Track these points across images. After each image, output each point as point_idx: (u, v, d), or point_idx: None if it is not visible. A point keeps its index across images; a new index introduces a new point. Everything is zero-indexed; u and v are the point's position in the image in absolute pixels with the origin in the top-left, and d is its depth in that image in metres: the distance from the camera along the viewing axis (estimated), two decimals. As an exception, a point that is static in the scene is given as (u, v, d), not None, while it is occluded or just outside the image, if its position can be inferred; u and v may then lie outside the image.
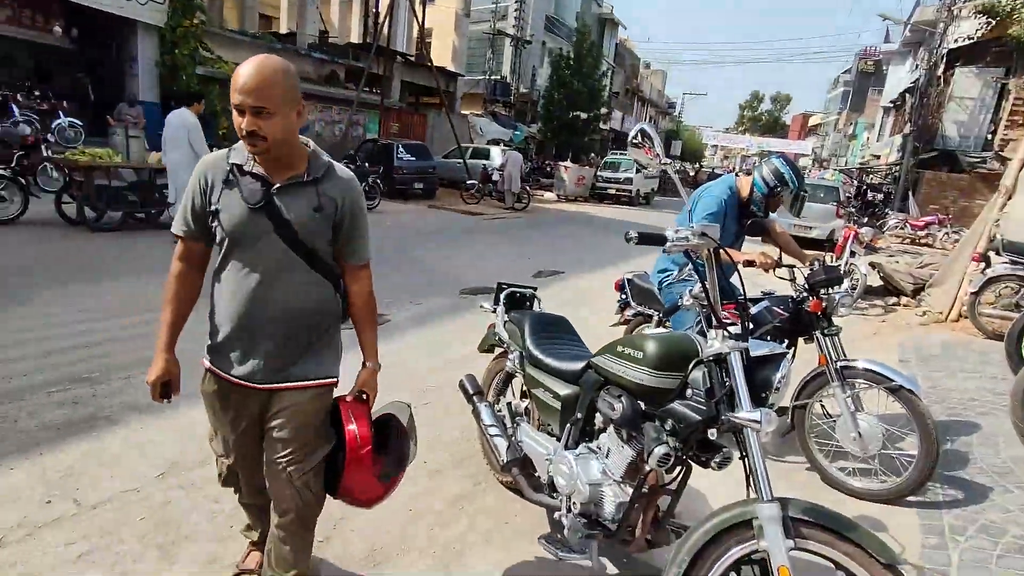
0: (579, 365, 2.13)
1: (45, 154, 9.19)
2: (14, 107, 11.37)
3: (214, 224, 1.64)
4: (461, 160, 18.49)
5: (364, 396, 1.77)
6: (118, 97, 14.37)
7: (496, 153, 18.60)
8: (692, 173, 39.34)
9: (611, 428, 1.94)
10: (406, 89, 22.39)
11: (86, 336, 4.14)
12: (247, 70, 1.48)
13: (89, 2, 12.82)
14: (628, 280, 4.01)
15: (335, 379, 1.76)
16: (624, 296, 4.04)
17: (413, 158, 16.50)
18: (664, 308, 3.40)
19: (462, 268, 7.73)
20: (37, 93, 13.04)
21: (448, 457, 3.05)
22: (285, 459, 1.68)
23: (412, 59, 21.61)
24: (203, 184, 1.64)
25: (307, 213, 1.62)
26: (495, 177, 17.11)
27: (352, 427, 1.68)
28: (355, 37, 23.91)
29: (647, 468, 1.80)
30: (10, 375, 3.42)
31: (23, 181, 7.63)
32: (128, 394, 3.37)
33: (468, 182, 17.04)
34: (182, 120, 6.91)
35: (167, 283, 1.72)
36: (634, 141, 1.98)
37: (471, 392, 2.63)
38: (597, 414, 2.04)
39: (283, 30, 23.05)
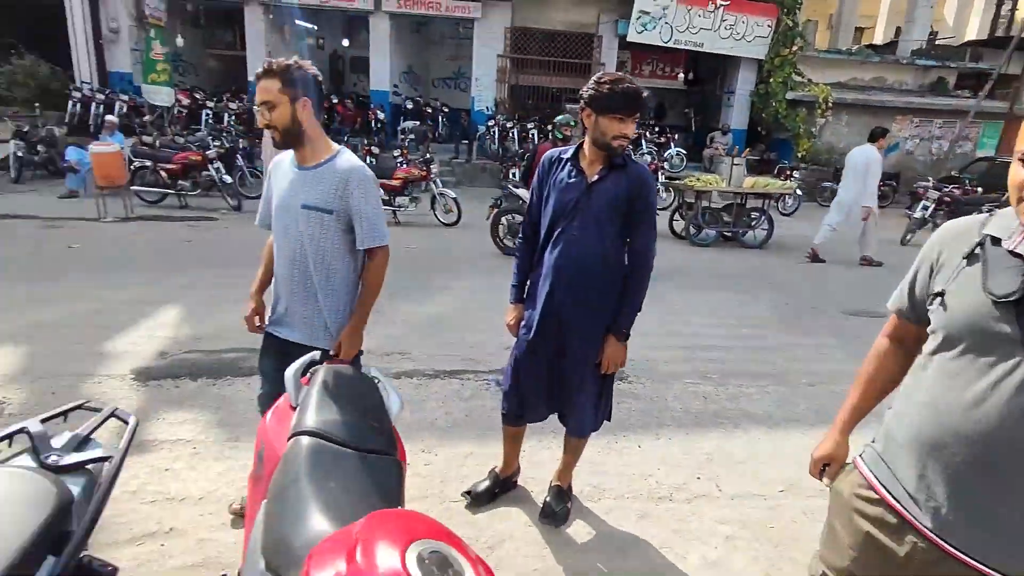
0: None
1: (660, 179, 11.47)
2: (643, 142, 14.58)
3: (932, 307, 1.25)
4: None
5: None
6: (713, 127, 16.51)
7: None
8: None
9: None
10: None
11: (707, 339, 4.90)
12: None
13: (709, 49, 15.05)
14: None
15: None
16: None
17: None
18: None
19: None
20: (657, 129, 16.34)
21: None
22: None
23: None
24: (935, 256, 1.28)
25: None
26: None
27: None
28: (975, 33, 19.93)
29: None
30: (659, 360, 4.38)
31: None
32: (742, 401, 3.80)
33: None
34: (865, 156, 7.45)
35: (867, 358, 1.47)
36: None
37: None
38: None
39: (879, 40, 21.38)
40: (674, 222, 9.53)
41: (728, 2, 14.61)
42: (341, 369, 1.80)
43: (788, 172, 13.54)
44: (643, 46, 15.32)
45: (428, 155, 9.73)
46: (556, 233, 2.23)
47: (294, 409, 1.63)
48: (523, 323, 2.38)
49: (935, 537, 1.16)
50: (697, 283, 6.72)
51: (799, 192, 12.31)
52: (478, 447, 3.08)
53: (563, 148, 2.37)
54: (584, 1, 14.66)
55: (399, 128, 13.81)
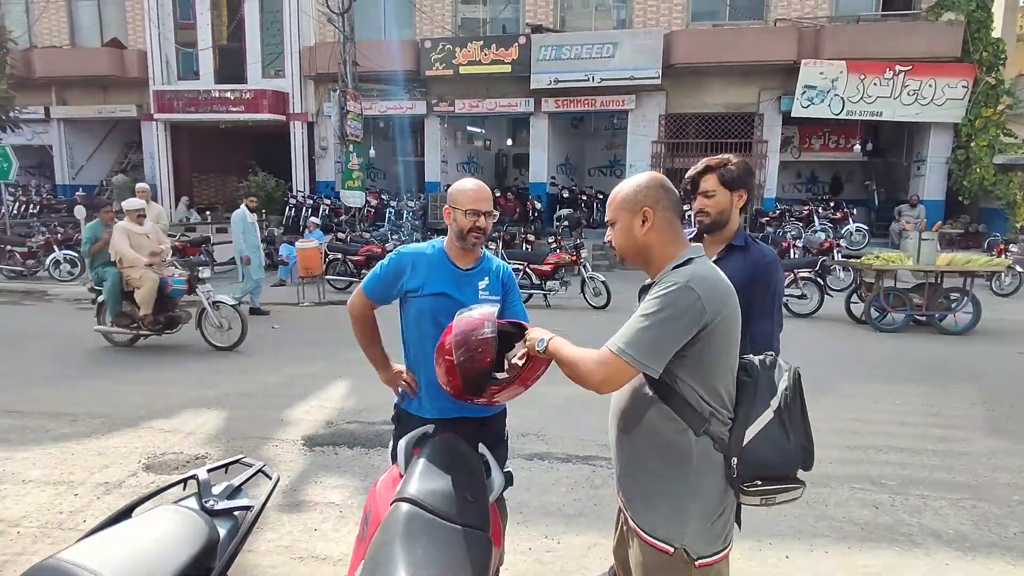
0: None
1: (837, 257, 10.47)
2: (816, 218, 13.56)
3: None
4: None
5: None
6: (899, 199, 14.84)
7: None
8: None
9: None
10: None
11: (886, 439, 4.24)
12: None
13: (890, 118, 13.86)
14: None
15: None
16: None
17: None
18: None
19: None
20: (832, 203, 15.12)
21: None
22: None
23: None
24: None
25: None
26: None
27: None
28: None
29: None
30: (822, 459, 3.86)
31: (820, 281, 8.89)
32: (926, 516, 3.18)
33: None
34: None
35: None
36: None
37: None
38: None
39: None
40: (852, 304, 8.56)
41: (910, 67, 13.47)
42: (450, 443, 1.91)
43: (1002, 246, 11.57)
44: (812, 119, 14.60)
45: (579, 240, 10.04)
46: None
47: (401, 477, 1.76)
48: None
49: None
50: (878, 373, 5.90)
51: (1018, 268, 10.40)
52: (604, 539, 2.95)
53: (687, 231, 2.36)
54: (742, 82, 14.54)
55: (555, 216, 14.49)
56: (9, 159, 12.16)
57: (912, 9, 14.39)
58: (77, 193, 16.42)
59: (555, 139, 16.14)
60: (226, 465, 1.93)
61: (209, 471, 1.83)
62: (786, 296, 8.71)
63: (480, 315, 1.76)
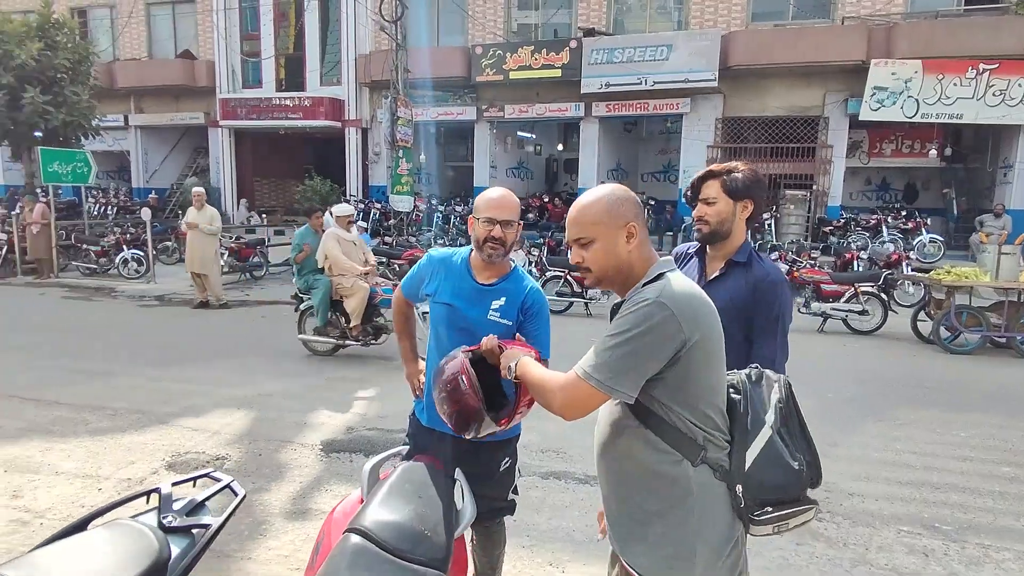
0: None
1: (906, 270, 9.72)
2: (884, 228, 12.69)
3: None
4: None
5: None
6: (983, 208, 13.69)
7: None
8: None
9: None
10: None
11: (944, 475, 3.83)
12: None
13: (972, 120, 12.83)
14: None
15: None
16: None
17: None
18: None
19: None
20: (903, 213, 14.13)
21: None
22: None
23: None
24: None
25: None
26: None
27: None
28: None
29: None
30: (866, 495, 3.52)
31: (884, 297, 8.25)
32: (986, 570, 2.80)
33: None
34: None
35: None
36: None
37: None
38: None
39: None
40: (919, 322, 7.90)
41: (996, 65, 12.42)
42: (420, 469, 1.78)
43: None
44: (882, 123, 13.71)
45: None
46: None
47: (362, 503, 1.65)
48: None
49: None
50: (941, 399, 5.37)
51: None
52: (611, 571, 2.75)
53: (689, 243, 2.17)
54: (806, 84, 13.82)
55: (605, 223, 14.18)
56: (89, 164, 13.00)
57: (999, 3, 13.29)
58: (150, 196, 17.42)
59: (606, 144, 15.85)
60: (194, 479, 1.88)
61: (174, 485, 1.79)
62: (845, 312, 8.14)
63: (451, 373, 1.62)
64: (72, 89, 13.18)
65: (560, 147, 19.13)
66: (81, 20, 18.40)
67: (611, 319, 1.42)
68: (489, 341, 1.69)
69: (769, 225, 13.37)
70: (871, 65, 12.66)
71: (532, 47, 14.51)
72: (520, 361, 1.51)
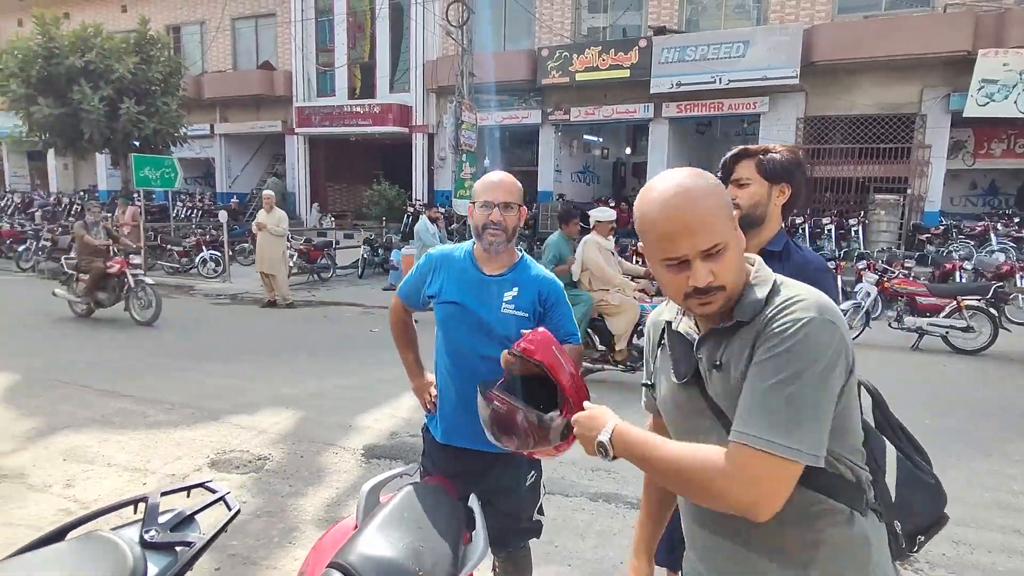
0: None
1: (1019, 283, 8.65)
2: (993, 236, 11.42)
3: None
4: None
5: None
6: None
7: None
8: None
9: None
10: None
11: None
12: None
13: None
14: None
15: None
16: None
17: None
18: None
19: None
20: (1016, 220, 12.70)
21: None
22: None
23: None
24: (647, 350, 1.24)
25: None
26: None
27: None
28: None
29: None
30: (977, 544, 2.98)
31: (993, 312, 7.31)
32: None
33: None
34: None
35: None
36: None
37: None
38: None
39: None
40: (1035, 341, 6.94)
41: None
42: (427, 493, 1.55)
43: None
44: (991, 120, 12.38)
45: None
46: None
47: (355, 529, 1.43)
48: None
49: None
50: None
51: None
52: (662, 614, 2.41)
53: None
54: (900, 79, 12.69)
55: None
56: (175, 169, 13.79)
57: None
58: (231, 200, 18.35)
59: (677, 146, 15.23)
60: (187, 489, 1.73)
61: (164, 495, 1.64)
62: (945, 328, 7.28)
63: (496, 422, 1.48)
64: (163, 100, 14.06)
65: (628, 150, 18.60)
66: (175, 36, 19.73)
67: (703, 353, 1.05)
68: (505, 360, 1.57)
69: (856, 231, 12.35)
70: (978, 56, 11.45)
71: (599, 47, 14.16)
72: (618, 431, 1.06)
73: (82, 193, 21.16)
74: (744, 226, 1.69)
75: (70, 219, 17.19)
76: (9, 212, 19.74)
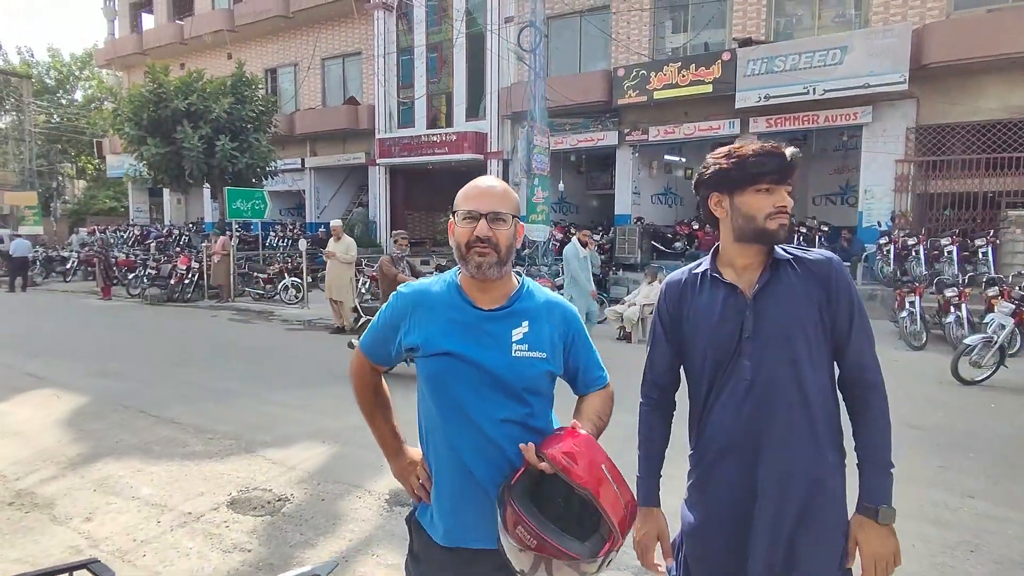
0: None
1: None
2: None
3: None
4: None
5: None
6: None
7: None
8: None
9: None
10: None
11: None
12: None
13: None
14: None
15: None
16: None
17: None
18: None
19: None
20: None
21: None
22: None
23: None
24: None
25: None
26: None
27: None
28: None
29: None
30: None
31: None
32: None
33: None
34: None
35: None
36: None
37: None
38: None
39: None
40: None
41: None
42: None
43: None
44: None
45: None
46: (714, 388, 1.49)
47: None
48: (679, 545, 1.58)
49: None
50: None
51: None
52: None
53: (690, 266, 1.60)
54: (1035, 78, 11.06)
55: (762, 251, 12.51)
56: (265, 201, 14.56)
57: None
58: (319, 230, 19.15)
59: (766, 164, 14.12)
60: (70, 569, 1.40)
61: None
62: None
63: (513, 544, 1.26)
64: (255, 136, 14.96)
65: (713, 170, 17.57)
66: (272, 78, 21.18)
67: None
68: (528, 453, 1.30)
69: (985, 253, 10.74)
70: None
71: (679, 63, 13.51)
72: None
73: (191, 225, 23.00)
74: (789, 238, 1.45)
75: (176, 249, 18.65)
76: (130, 243, 21.80)
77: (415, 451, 1.57)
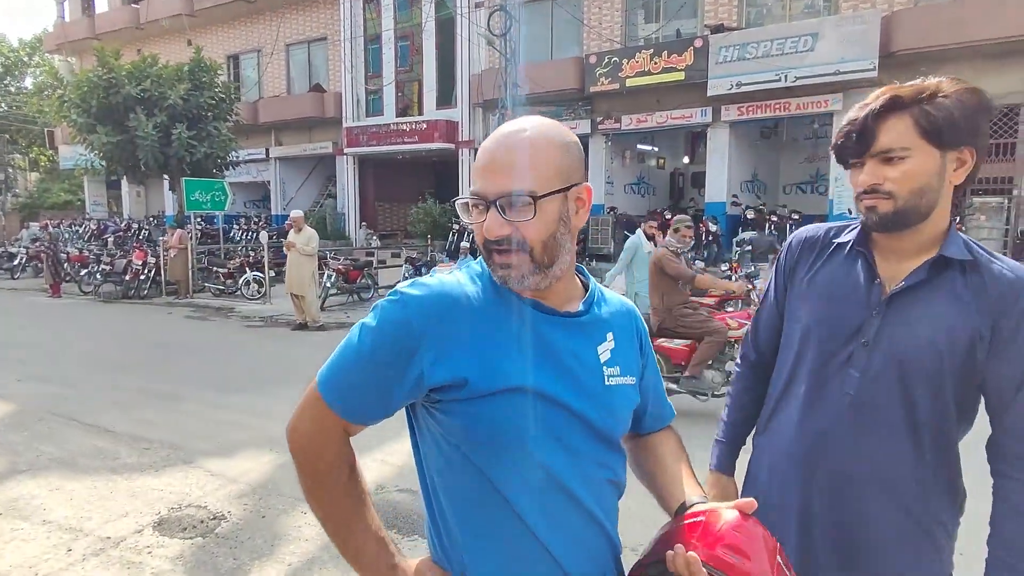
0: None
1: None
2: None
3: None
4: None
5: None
6: None
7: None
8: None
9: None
10: None
11: None
12: None
13: None
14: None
15: None
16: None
17: None
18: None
19: None
20: None
21: None
22: None
23: None
24: None
25: None
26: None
27: None
28: None
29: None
30: None
31: None
32: None
33: None
34: None
35: None
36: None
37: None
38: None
39: None
40: None
41: None
42: None
43: None
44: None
45: (753, 268, 8.15)
46: (810, 383, 1.16)
47: None
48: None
49: None
50: None
51: None
52: None
53: (838, 225, 1.23)
54: (1000, 66, 11.09)
55: (735, 240, 12.43)
56: (225, 193, 13.95)
57: None
58: (286, 223, 18.55)
59: (739, 152, 14.06)
60: None
61: None
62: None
63: None
64: (214, 125, 14.31)
65: (686, 159, 17.49)
66: (235, 65, 20.40)
67: None
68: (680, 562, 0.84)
69: (952, 241, 10.77)
70: (1100, 33, 9.80)
71: (651, 50, 13.29)
72: None
73: (151, 219, 22.13)
74: (898, 226, 1.08)
75: (135, 244, 17.86)
76: (86, 238, 20.86)
77: (414, 563, 0.98)
